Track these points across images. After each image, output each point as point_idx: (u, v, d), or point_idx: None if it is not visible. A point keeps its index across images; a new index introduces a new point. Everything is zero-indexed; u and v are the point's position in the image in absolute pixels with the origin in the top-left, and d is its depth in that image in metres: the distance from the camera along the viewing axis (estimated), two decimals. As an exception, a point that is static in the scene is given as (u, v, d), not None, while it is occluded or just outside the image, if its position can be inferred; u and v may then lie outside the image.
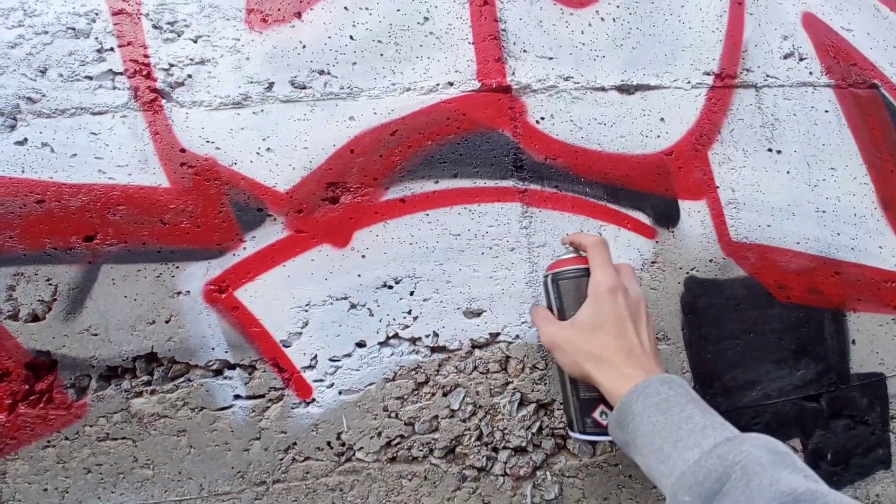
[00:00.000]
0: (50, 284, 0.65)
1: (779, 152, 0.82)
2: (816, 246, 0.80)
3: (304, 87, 0.72)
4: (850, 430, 0.79)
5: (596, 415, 0.57)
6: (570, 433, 0.62)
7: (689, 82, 0.80)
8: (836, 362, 0.79)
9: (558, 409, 0.70)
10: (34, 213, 0.66)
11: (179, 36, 0.70)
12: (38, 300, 0.65)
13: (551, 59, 0.77)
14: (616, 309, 0.54)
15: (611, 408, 0.53)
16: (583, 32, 0.78)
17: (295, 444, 0.65)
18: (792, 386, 0.77)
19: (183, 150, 0.69)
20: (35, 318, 0.65)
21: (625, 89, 0.79)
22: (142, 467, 0.63)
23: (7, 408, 0.64)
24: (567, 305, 0.58)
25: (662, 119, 0.78)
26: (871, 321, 0.80)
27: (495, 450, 0.68)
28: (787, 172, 0.81)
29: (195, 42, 0.71)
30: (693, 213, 0.76)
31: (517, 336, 0.70)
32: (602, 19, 0.79)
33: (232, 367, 0.65)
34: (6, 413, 0.64)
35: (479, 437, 0.67)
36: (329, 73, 0.72)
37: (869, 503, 0.77)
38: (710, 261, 0.76)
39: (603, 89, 0.78)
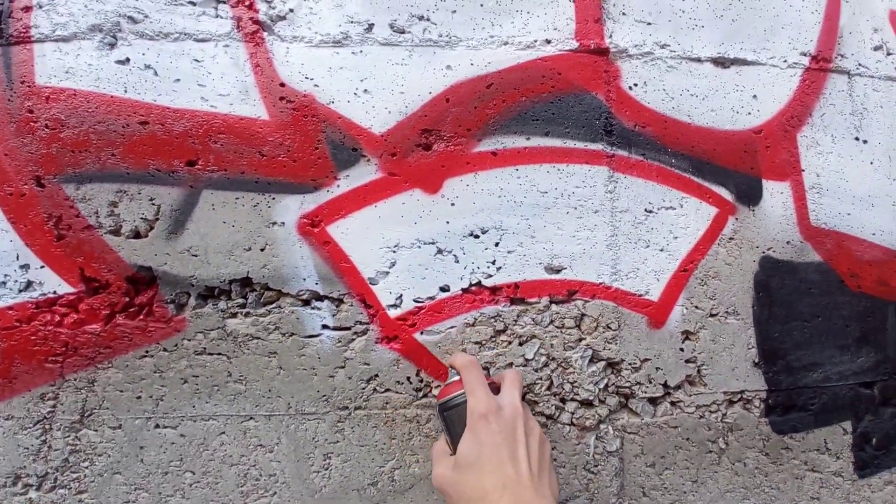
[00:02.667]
0: (153, 204, 0.67)
1: (865, 142, 0.81)
2: (890, 239, 0.81)
3: (404, 32, 0.72)
4: (895, 418, 0.81)
5: None
6: None
7: (785, 61, 0.79)
8: (894, 353, 0.80)
9: (626, 369, 0.72)
10: (137, 134, 0.68)
11: (284, -32, 0.70)
12: (142, 218, 0.67)
13: (649, 24, 0.77)
14: (490, 438, 0.52)
15: None
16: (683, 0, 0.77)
17: (377, 375, 0.68)
18: (851, 371, 0.78)
19: (283, 85, 0.70)
20: (137, 234, 0.67)
21: (720, 62, 0.78)
22: (235, 382, 0.67)
23: (104, 318, 0.67)
24: (455, 436, 0.56)
25: (755, 96, 0.77)
26: (931, 318, 0.81)
27: (563, 400, 0.71)
28: (871, 163, 0.81)
29: (299, -24, 0.71)
30: (776, 193, 0.77)
31: (594, 295, 0.71)
32: (706, -13, 0.77)
33: (321, 298, 0.68)
34: (102, 323, 0.67)
35: (549, 387, 0.70)
36: (429, 20, 0.72)
37: None
38: (788, 243, 0.76)
39: (699, 60, 0.77)
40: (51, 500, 0.65)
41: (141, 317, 0.67)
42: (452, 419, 0.57)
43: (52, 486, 0.65)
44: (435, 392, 0.68)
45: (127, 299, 0.67)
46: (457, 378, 0.59)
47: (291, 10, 0.71)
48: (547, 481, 0.52)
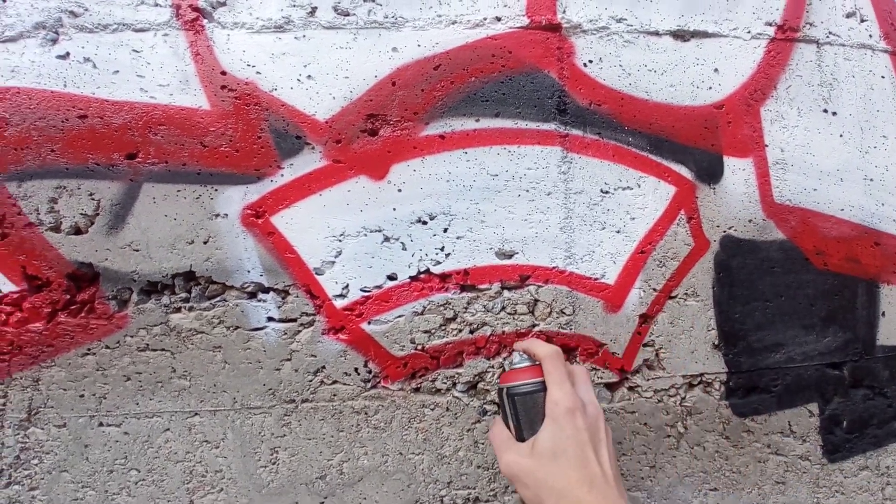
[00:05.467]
0: (93, 199, 0.66)
1: (834, 114, 0.78)
2: (860, 215, 0.78)
3: (348, 14, 0.70)
4: (868, 401, 0.79)
5: None
6: None
7: (748, 32, 0.76)
8: (864, 333, 0.78)
9: (581, 356, 0.70)
10: (77, 128, 0.67)
11: (222, -49, 0.68)
12: (81, 213, 0.66)
13: (605, -3, 0.74)
14: (576, 433, 0.50)
15: None
16: (641, -29, 0.74)
17: (324, 367, 0.67)
18: (816, 352, 0.77)
19: (224, 73, 0.68)
20: (77, 231, 0.66)
21: (680, 35, 0.75)
22: (179, 378, 0.66)
23: (46, 316, 0.66)
24: (524, 424, 0.54)
25: (716, 70, 0.75)
26: (904, 295, 0.79)
27: (517, 389, 0.69)
28: (840, 136, 0.78)
29: (238, -41, 0.69)
30: (737, 170, 0.74)
31: (547, 280, 0.70)
32: (663, -43, 0.74)
33: (266, 290, 0.67)
34: (44, 321, 0.66)
35: (499, 375, 0.69)
36: (374, 1, 0.70)
37: (879, 473, 0.78)
38: (750, 221, 0.74)
39: (657, 34, 0.74)
40: (7, 495, 0.65)
41: (83, 314, 0.66)
42: (524, 405, 0.54)
43: (8, 482, 0.65)
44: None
45: (68, 297, 0.66)
46: (527, 364, 0.56)
47: (231, -5, 0.69)
48: (622, 484, 0.52)
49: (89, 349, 0.66)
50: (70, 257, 0.66)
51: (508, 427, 0.56)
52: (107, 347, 0.66)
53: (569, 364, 0.56)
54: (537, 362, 0.55)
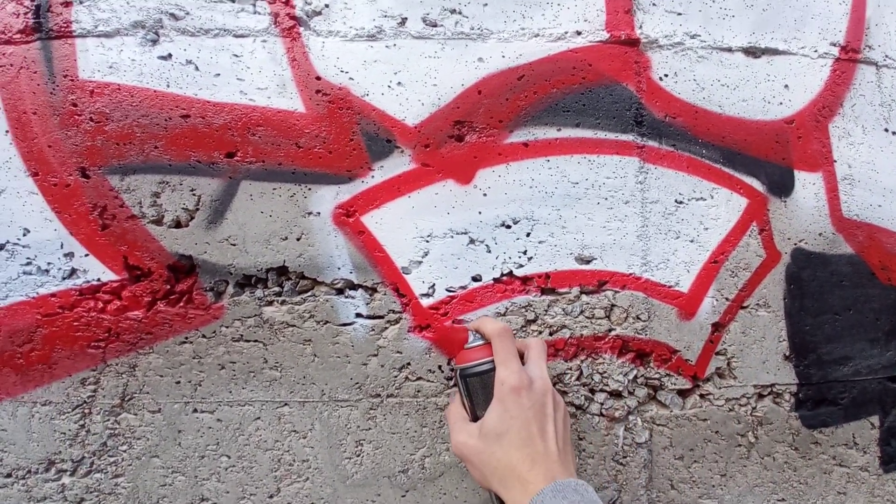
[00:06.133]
0: (194, 194, 0.69)
1: (894, 133, 0.80)
2: (922, 232, 0.80)
3: (436, 25, 0.73)
4: (922, 414, 0.80)
5: None
6: None
7: (815, 51, 0.79)
8: (922, 347, 0.80)
9: (655, 361, 0.72)
10: (179, 127, 0.70)
11: (319, -34, 0.72)
12: (183, 208, 0.69)
13: (680, 14, 0.77)
14: (521, 412, 0.52)
15: None
16: (714, -10, 0.77)
17: (409, 364, 0.70)
18: (880, 365, 0.78)
19: (318, 78, 0.71)
20: (178, 224, 0.69)
21: (751, 52, 0.78)
22: (271, 368, 0.69)
23: (146, 305, 0.69)
24: (477, 404, 0.56)
25: (786, 86, 0.77)
26: (961, 312, 0.80)
27: (592, 391, 0.71)
28: (901, 155, 0.80)
29: (333, -28, 0.72)
30: (808, 184, 0.76)
31: (624, 286, 0.72)
32: (735, -23, 0.77)
33: (355, 287, 0.70)
34: (144, 310, 0.69)
35: (578, 377, 0.71)
36: (461, 13, 0.73)
37: None
38: (820, 234, 0.76)
39: (729, 50, 0.77)
40: (85, 484, 0.67)
41: (181, 304, 0.69)
42: (475, 386, 0.57)
43: (88, 470, 0.67)
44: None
45: (168, 287, 0.69)
46: (480, 343, 0.58)
47: (327, 6, 0.73)
48: (571, 456, 0.54)
49: (186, 338, 0.68)
50: (171, 249, 0.69)
51: (464, 406, 0.58)
52: (203, 337, 0.68)
53: (525, 339, 0.59)
54: (489, 341, 0.56)
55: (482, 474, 0.53)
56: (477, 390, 0.56)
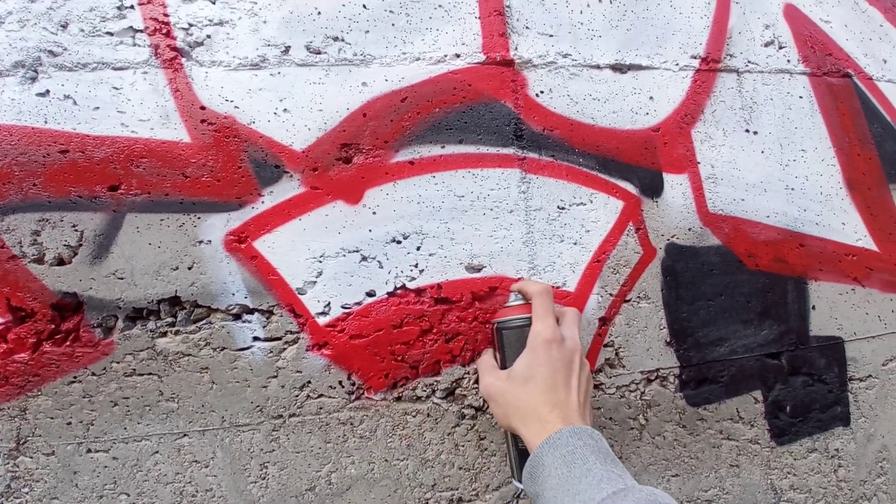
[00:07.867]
0: (76, 230, 0.69)
1: (755, 133, 0.89)
2: (784, 220, 0.89)
3: (320, 52, 0.76)
4: (808, 387, 0.88)
5: None
6: (513, 482, 0.66)
7: (677, 64, 0.87)
8: (797, 325, 0.88)
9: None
10: (58, 163, 0.69)
11: (199, -3, 0.73)
12: (64, 245, 0.68)
13: (552, 36, 0.83)
14: (549, 361, 0.55)
15: None
16: (581, 12, 0.84)
17: (309, 382, 0.71)
18: (756, 344, 0.86)
19: (203, 108, 0.73)
20: (61, 261, 0.68)
21: (618, 68, 0.85)
22: (167, 400, 0.68)
23: (31, 346, 0.68)
24: (508, 355, 0.60)
25: (651, 98, 0.85)
26: (831, 290, 0.89)
27: (491, 392, 0.75)
28: (762, 152, 0.89)
29: (213, 3, 0.74)
30: (676, 185, 0.84)
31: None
32: (599, 1, 0.84)
33: (251, 311, 0.70)
34: (30, 351, 0.67)
35: (476, 380, 0.74)
36: (343, 40, 0.76)
37: (829, 456, 0.87)
38: (689, 229, 0.83)
39: (598, 67, 0.84)
40: None
41: (68, 343, 0.68)
42: (510, 339, 0.61)
43: None
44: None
45: (52, 326, 0.68)
46: (520, 303, 0.63)
47: (209, 37, 0.74)
48: (589, 413, 0.57)
49: (75, 377, 0.67)
50: (54, 288, 0.68)
51: (495, 357, 0.63)
52: (93, 374, 0.67)
53: (562, 307, 0.63)
54: (529, 301, 0.61)
55: (504, 413, 0.56)
56: (511, 342, 0.60)
